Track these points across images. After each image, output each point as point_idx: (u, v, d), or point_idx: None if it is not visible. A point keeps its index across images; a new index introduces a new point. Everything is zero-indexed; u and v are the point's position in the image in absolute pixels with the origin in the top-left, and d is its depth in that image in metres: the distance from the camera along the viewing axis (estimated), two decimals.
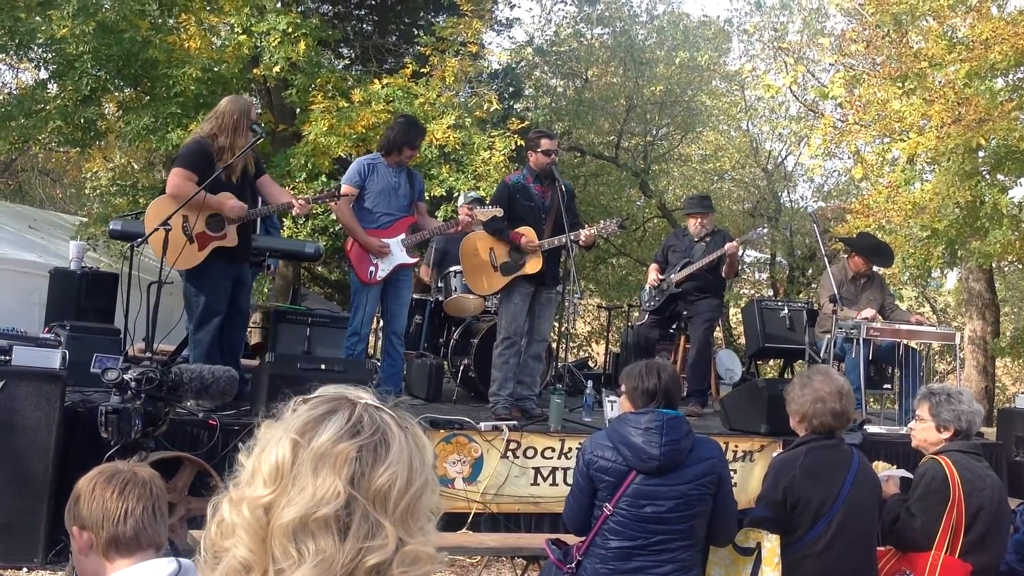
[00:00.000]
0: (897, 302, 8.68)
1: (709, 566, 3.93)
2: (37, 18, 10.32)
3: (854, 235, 9.42)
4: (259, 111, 10.06)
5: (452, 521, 5.50)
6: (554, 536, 4.27)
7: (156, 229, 5.44)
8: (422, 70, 10.99)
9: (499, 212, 6.42)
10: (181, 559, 2.16)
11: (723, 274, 7.64)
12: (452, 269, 7.69)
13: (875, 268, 8.12)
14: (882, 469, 4.40)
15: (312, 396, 1.25)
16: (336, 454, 1.17)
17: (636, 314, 10.13)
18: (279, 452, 1.18)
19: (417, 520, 1.20)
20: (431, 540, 1.22)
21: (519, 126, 10.92)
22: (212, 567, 1.20)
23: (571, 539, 4.04)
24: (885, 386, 7.97)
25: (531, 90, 17.37)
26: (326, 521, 1.14)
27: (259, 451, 1.21)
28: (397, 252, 6.45)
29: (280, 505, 1.16)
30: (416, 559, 1.19)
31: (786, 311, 9.09)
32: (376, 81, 10.81)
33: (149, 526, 2.21)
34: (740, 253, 8.12)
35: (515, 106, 14.71)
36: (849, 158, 15.17)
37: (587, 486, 3.75)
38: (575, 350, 17.73)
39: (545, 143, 6.66)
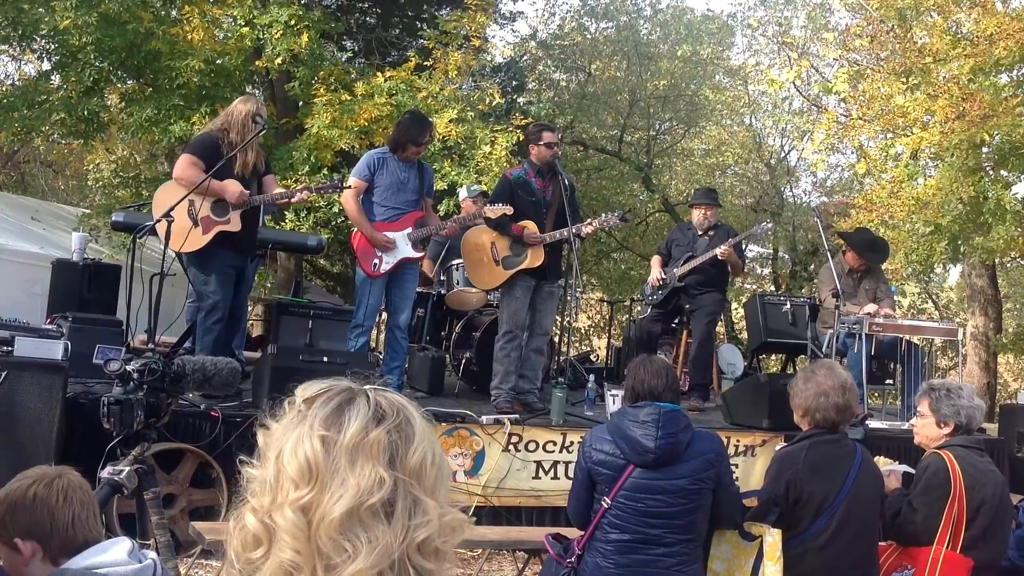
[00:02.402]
0: (898, 296, 8.65)
1: (711, 560, 3.93)
2: (40, 9, 10.31)
3: (854, 230, 9.40)
4: (262, 103, 10.06)
5: None
6: (554, 531, 4.27)
7: (159, 220, 5.55)
8: (425, 63, 10.97)
9: (509, 210, 6.42)
10: (131, 538, 2.23)
11: (729, 270, 7.66)
12: (454, 262, 7.69)
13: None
14: (884, 464, 4.39)
15: (315, 394, 1.24)
16: (370, 442, 1.18)
17: (638, 308, 10.13)
18: (307, 450, 1.17)
19: (445, 490, 1.23)
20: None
21: (522, 121, 10.90)
22: None
23: (572, 533, 4.05)
24: (887, 381, 7.96)
25: (534, 84, 17.36)
26: (375, 509, 1.15)
27: (275, 456, 1.20)
28: (403, 246, 6.45)
29: (322, 502, 1.15)
30: (453, 528, 1.21)
31: (788, 306, 9.08)
32: (379, 74, 10.80)
33: (94, 527, 2.26)
34: (744, 247, 8.10)
35: (518, 100, 14.70)
36: (852, 153, 15.14)
37: (585, 480, 3.78)
38: (577, 344, 17.73)
39: (547, 136, 6.67)
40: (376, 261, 6.41)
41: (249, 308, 7.88)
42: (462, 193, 8.78)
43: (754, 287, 19.86)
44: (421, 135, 6.53)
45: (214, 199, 5.89)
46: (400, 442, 1.19)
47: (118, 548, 2.15)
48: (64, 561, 2.17)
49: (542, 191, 6.65)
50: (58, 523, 2.20)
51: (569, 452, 6.01)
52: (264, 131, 6.22)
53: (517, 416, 6.20)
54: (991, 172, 11.34)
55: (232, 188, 5.87)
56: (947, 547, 3.84)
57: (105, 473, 3.14)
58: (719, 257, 7.31)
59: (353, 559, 1.13)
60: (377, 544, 1.14)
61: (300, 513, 1.15)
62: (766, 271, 20.95)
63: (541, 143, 6.62)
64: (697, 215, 7.69)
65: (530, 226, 6.52)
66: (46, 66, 11.51)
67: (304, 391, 1.25)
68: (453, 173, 10.14)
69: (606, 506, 3.66)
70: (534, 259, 6.51)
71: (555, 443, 6.10)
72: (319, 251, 8.89)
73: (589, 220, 6.76)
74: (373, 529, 1.14)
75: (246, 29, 10.40)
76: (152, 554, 2.18)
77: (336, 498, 1.15)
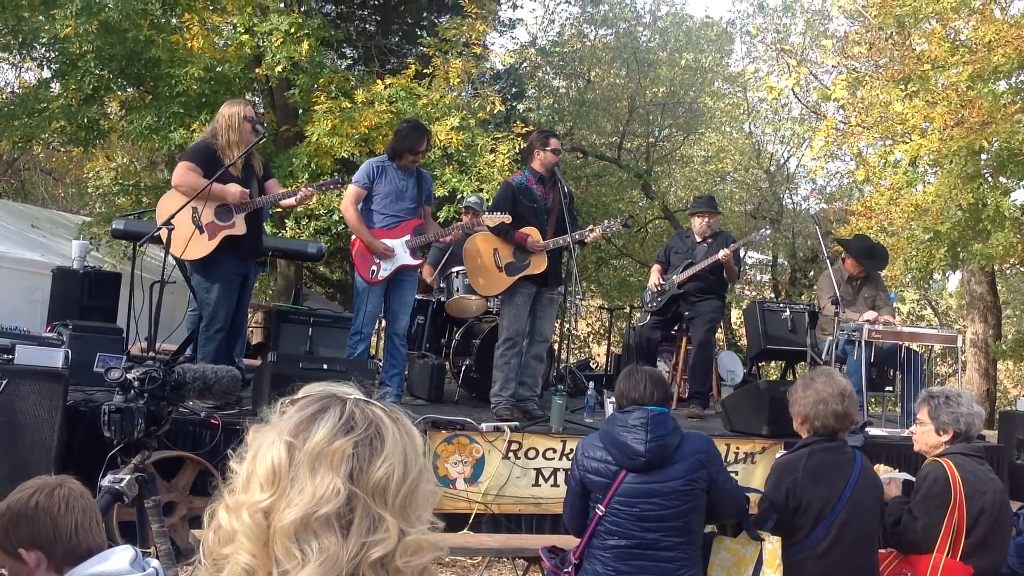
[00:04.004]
0: (897, 303, 8.67)
1: (710, 568, 3.93)
2: (40, 17, 10.33)
3: (852, 237, 9.41)
4: (262, 111, 10.07)
5: (453, 522, 5.50)
6: (550, 543, 4.27)
7: (160, 227, 5.57)
8: (425, 71, 10.99)
9: (507, 219, 6.44)
10: (134, 546, 2.23)
11: (725, 277, 7.67)
12: (454, 269, 7.69)
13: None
14: (884, 472, 4.40)
15: (300, 396, 1.25)
16: (332, 452, 1.17)
17: (638, 315, 10.13)
18: (274, 455, 1.18)
19: (416, 509, 1.21)
20: (430, 529, 1.23)
21: (524, 130, 10.92)
22: (213, 575, 1.20)
23: (567, 542, 4.06)
24: (887, 388, 7.96)
25: (534, 91, 17.38)
26: (328, 519, 1.15)
27: (252, 456, 1.21)
28: (401, 253, 6.46)
29: (280, 507, 1.16)
30: (418, 548, 1.19)
31: (788, 313, 9.08)
32: (379, 81, 10.81)
33: (96, 535, 2.27)
34: (743, 254, 8.10)
35: (517, 107, 14.72)
36: (851, 160, 15.17)
37: (578, 488, 3.81)
38: (576, 351, 17.73)
39: (553, 142, 6.70)
40: (374, 268, 6.42)
41: (249, 315, 7.89)
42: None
43: (754, 294, 19.86)
44: (418, 144, 6.55)
45: (217, 203, 5.92)
46: (365, 455, 1.18)
47: (121, 556, 2.15)
48: (68, 570, 2.18)
49: (543, 198, 6.67)
50: (61, 531, 2.21)
51: (569, 459, 6.00)
52: (264, 139, 6.26)
53: (517, 423, 6.20)
54: (990, 179, 11.35)
55: (232, 189, 5.91)
56: (947, 555, 3.84)
57: (106, 481, 3.14)
58: (720, 259, 7.33)
59: (302, 567, 1.13)
60: (326, 555, 1.14)
61: (260, 516, 1.16)
62: (765, 278, 20.96)
63: (548, 148, 6.63)
64: (698, 223, 7.70)
65: (533, 233, 6.53)
66: (46, 74, 11.55)
67: (299, 393, 1.26)
68: (454, 180, 10.15)
69: (601, 513, 3.68)
70: (537, 265, 6.53)
71: (555, 450, 6.10)
72: (319, 258, 8.91)
73: (591, 226, 6.77)
74: (325, 539, 1.14)
75: (246, 37, 10.41)
76: (155, 562, 2.19)
77: (292, 504, 1.15)
